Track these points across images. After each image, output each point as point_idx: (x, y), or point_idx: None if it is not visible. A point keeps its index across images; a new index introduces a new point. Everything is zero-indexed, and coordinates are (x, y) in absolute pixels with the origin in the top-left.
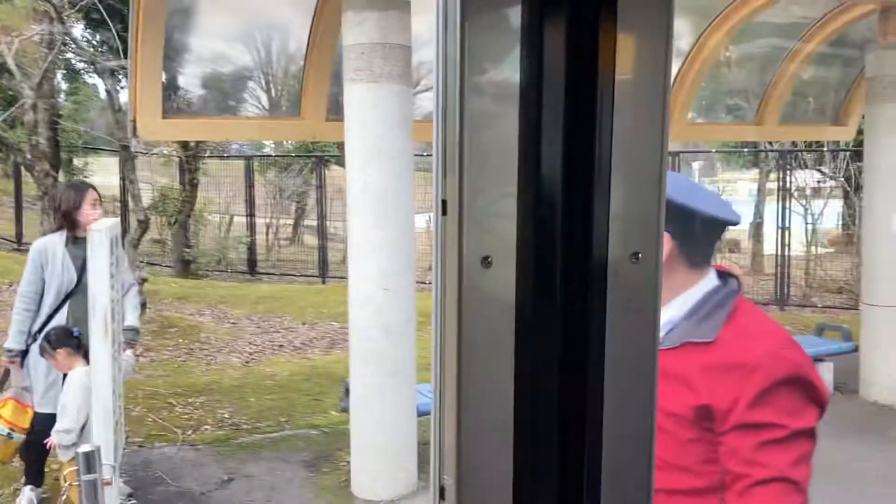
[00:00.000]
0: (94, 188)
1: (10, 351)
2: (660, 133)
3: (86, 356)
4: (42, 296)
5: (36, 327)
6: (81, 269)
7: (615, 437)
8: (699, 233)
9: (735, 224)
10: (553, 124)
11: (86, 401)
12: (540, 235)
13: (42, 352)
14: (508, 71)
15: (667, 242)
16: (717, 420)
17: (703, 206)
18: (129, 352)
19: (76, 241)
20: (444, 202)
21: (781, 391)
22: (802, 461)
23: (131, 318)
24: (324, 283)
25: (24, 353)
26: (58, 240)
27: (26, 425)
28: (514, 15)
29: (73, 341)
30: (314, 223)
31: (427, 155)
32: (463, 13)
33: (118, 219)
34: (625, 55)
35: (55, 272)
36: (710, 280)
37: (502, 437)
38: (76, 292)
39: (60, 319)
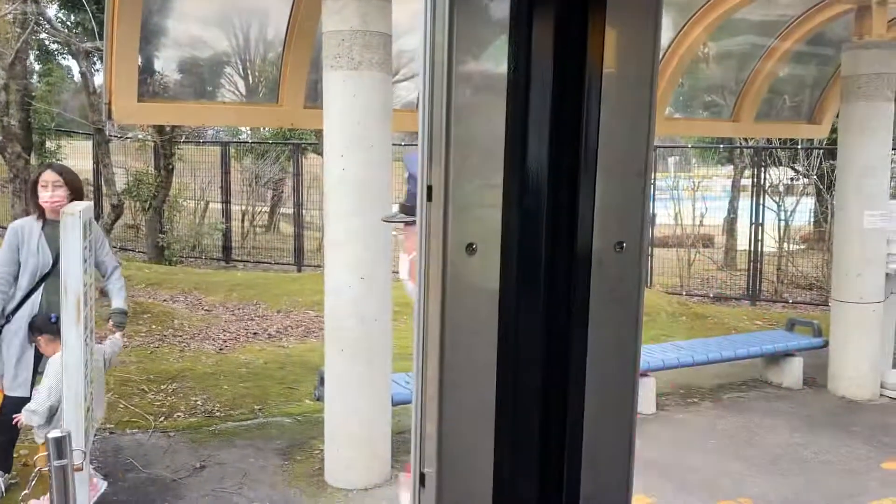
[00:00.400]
0: (53, 169)
1: None
2: (646, 125)
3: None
4: (16, 278)
5: (10, 308)
6: (57, 252)
7: (596, 427)
8: None
9: None
10: (540, 114)
11: (58, 385)
12: (525, 224)
13: (29, 338)
14: (496, 60)
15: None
16: None
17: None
18: (117, 334)
19: (53, 224)
20: (429, 188)
21: None
22: None
23: (118, 301)
24: (299, 271)
25: None
26: (34, 222)
27: None
28: (503, 5)
29: (52, 327)
30: (290, 211)
31: (404, 144)
32: (452, 2)
33: (91, 202)
34: (613, 48)
35: (31, 254)
36: None
37: (484, 426)
38: (51, 274)
39: (35, 302)
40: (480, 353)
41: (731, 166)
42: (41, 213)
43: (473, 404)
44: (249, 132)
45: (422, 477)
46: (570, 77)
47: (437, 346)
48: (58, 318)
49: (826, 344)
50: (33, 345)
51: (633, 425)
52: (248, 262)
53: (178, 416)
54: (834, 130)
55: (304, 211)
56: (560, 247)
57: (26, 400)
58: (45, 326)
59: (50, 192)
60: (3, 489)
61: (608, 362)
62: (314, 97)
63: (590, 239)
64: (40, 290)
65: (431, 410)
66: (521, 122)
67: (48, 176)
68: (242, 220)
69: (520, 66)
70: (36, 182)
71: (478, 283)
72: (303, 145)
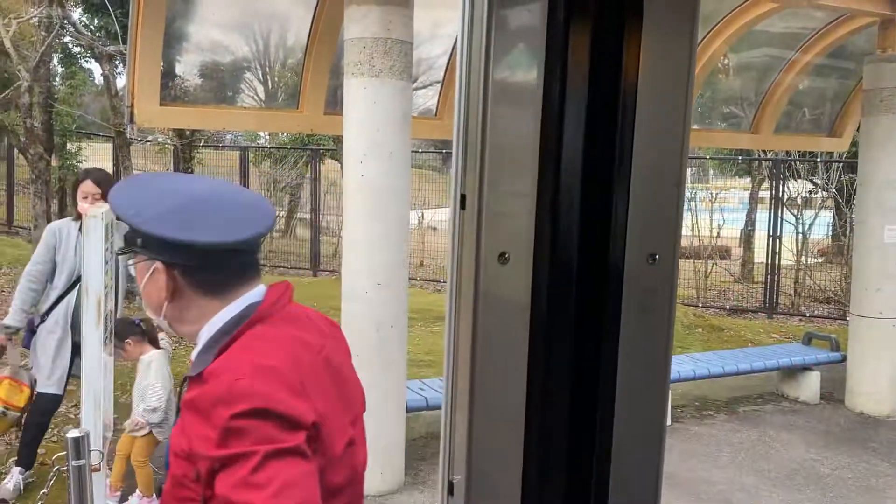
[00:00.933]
0: (96, 178)
1: (7, 328)
2: (680, 137)
3: (152, 342)
4: (51, 277)
5: (45, 308)
6: None
7: (625, 438)
8: (202, 260)
9: (245, 244)
10: (574, 124)
11: (166, 380)
12: (558, 233)
13: (115, 346)
14: (531, 71)
15: (162, 273)
16: (196, 463)
17: (194, 234)
18: (166, 340)
19: None
20: (463, 197)
21: (244, 424)
22: (291, 484)
23: None
24: (315, 276)
25: (31, 333)
26: (72, 223)
27: (21, 404)
28: (540, 15)
29: (136, 329)
30: (307, 216)
31: (420, 151)
32: (489, 11)
33: None
34: (648, 59)
35: (67, 257)
36: (235, 306)
37: (513, 435)
38: None
39: (70, 302)
40: (511, 362)
41: (749, 178)
42: (79, 216)
43: (503, 413)
44: (268, 137)
45: (450, 485)
46: (605, 88)
47: (468, 353)
48: (141, 321)
49: (844, 358)
50: (69, 343)
51: (663, 437)
52: (264, 265)
53: None
54: (854, 144)
55: (320, 216)
56: (592, 257)
57: (59, 398)
58: (130, 329)
59: (89, 203)
60: (22, 486)
61: (638, 374)
62: (333, 104)
63: (622, 250)
64: (75, 290)
65: (461, 419)
66: (555, 132)
67: (87, 188)
68: None
69: (555, 76)
70: (76, 187)
71: (509, 292)
72: (321, 151)
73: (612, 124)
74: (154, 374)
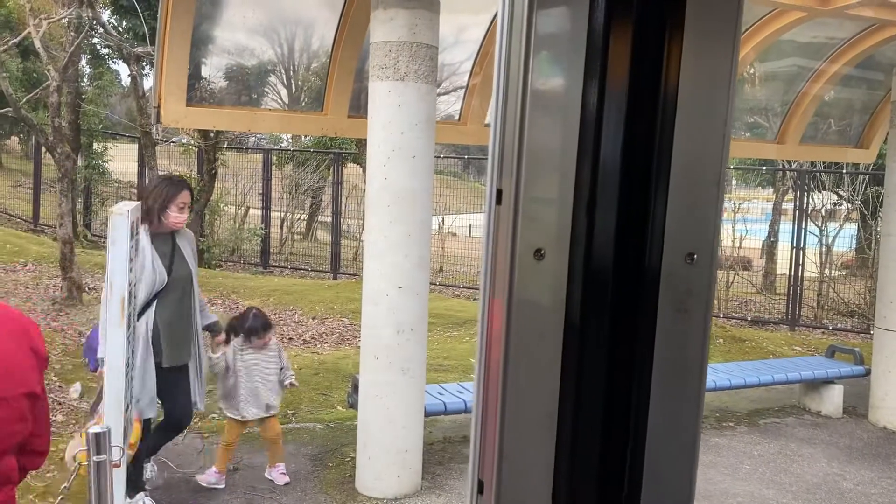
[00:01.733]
0: (189, 188)
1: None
2: (721, 135)
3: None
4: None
5: None
6: (170, 267)
7: (659, 442)
8: None
9: None
10: (614, 120)
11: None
12: (594, 231)
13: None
14: (571, 72)
15: None
16: None
17: None
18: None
19: (162, 238)
20: (499, 191)
21: None
22: None
23: (206, 311)
24: (335, 278)
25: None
26: (143, 236)
27: (136, 440)
28: (580, 15)
29: (263, 320)
30: (328, 219)
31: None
32: (530, 12)
33: (139, 203)
34: (690, 60)
35: (145, 270)
36: None
37: (545, 436)
38: (165, 292)
39: (150, 317)
40: (544, 361)
41: (772, 189)
42: (153, 226)
43: (535, 413)
44: (290, 140)
45: (480, 484)
46: (645, 87)
47: (501, 351)
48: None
49: (868, 372)
50: (152, 364)
51: (697, 444)
52: (285, 267)
53: (213, 418)
54: (881, 155)
55: (341, 219)
56: (629, 255)
57: (150, 422)
58: (268, 321)
59: (185, 213)
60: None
61: (673, 377)
62: (356, 107)
63: (660, 249)
64: (153, 306)
65: (492, 417)
66: (594, 128)
67: (186, 198)
68: (281, 227)
69: (595, 74)
70: (169, 198)
71: (544, 289)
72: (343, 155)
73: (652, 123)
74: (285, 355)
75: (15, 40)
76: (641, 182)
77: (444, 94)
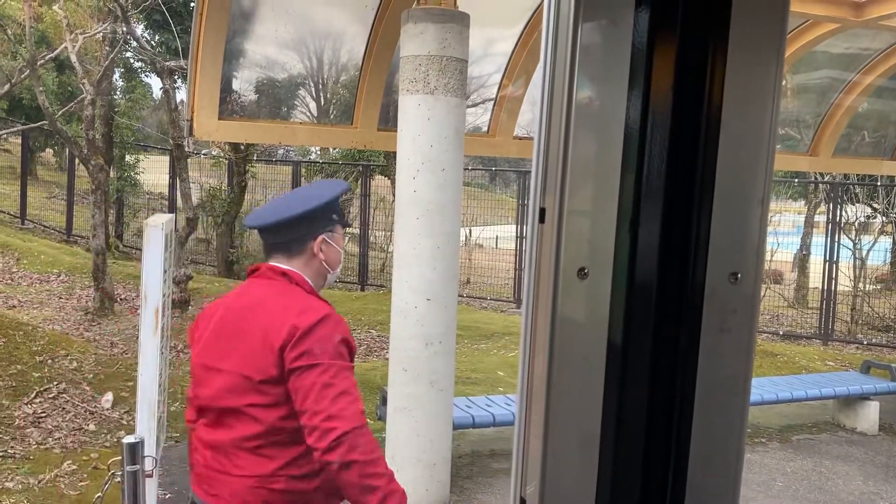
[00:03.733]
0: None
1: None
2: (766, 154)
3: None
4: None
5: None
6: None
7: (702, 458)
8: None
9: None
10: (658, 141)
11: None
12: (638, 250)
13: None
14: (615, 88)
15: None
16: None
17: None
18: None
19: None
20: (542, 210)
21: None
22: None
23: None
24: (363, 290)
25: None
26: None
27: None
28: (625, 33)
29: None
30: (356, 231)
31: (469, 169)
32: (575, 28)
33: (173, 215)
34: (734, 78)
35: None
36: None
37: (588, 452)
38: None
39: None
40: (587, 378)
41: (804, 201)
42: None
43: (578, 429)
44: (319, 152)
45: (522, 501)
46: (688, 103)
47: (545, 367)
48: None
49: None
50: None
51: (741, 462)
52: None
53: None
54: None
55: (369, 231)
56: (672, 274)
57: None
58: None
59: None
60: None
61: (717, 394)
62: (385, 120)
63: (704, 268)
64: None
65: (536, 432)
66: (637, 146)
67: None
68: None
69: (639, 91)
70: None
71: (588, 308)
72: (371, 167)
73: (696, 139)
74: None
75: (52, 55)
76: (685, 200)
77: (472, 105)
